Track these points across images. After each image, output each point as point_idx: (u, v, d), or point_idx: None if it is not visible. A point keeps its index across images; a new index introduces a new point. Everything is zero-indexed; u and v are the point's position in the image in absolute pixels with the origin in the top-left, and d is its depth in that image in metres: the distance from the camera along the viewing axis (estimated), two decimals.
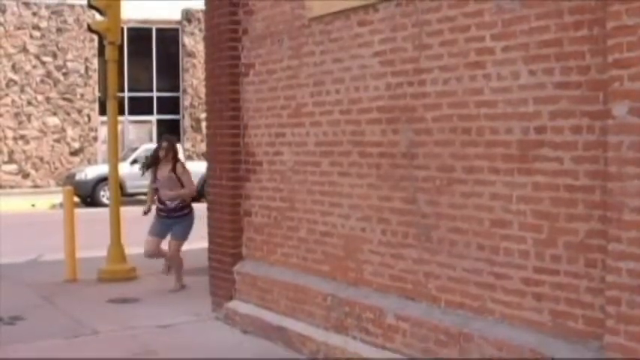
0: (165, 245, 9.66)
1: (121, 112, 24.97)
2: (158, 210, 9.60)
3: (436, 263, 5.57)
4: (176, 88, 32.93)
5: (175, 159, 9.68)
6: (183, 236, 9.54)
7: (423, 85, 5.64)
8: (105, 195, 21.25)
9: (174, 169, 9.53)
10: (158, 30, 32.49)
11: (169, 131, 32.06)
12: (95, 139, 30.10)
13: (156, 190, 9.66)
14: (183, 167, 9.77)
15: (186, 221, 9.53)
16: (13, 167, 29.41)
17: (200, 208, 9.29)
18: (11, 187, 28.74)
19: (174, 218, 9.49)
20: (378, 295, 6.07)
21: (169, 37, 32.73)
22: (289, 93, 7.10)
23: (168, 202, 9.48)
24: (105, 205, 17.14)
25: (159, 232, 9.58)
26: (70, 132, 30.13)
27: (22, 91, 29.48)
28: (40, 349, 6.98)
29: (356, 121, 6.29)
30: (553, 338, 4.71)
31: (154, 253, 9.60)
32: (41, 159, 29.58)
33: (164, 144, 9.69)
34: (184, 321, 7.90)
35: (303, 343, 6.66)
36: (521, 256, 4.92)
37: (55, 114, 30.05)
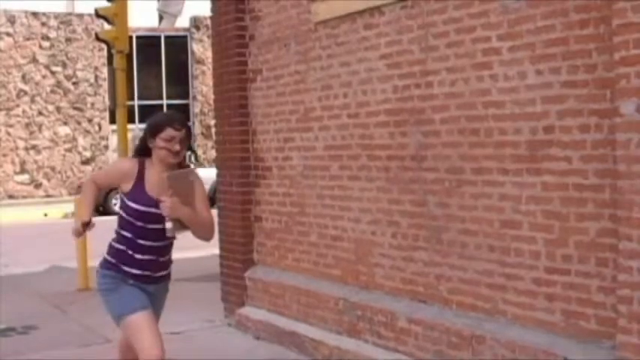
0: None
1: (132, 121, 25.02)
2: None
3: (447, 265, 5.56)
4: (186, 96, 33.01)
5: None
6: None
7: (431, 87, 5.63)
8: (117, 203, 21.27)
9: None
10: (167, 37, 32.58)
11: None
12: (106, 147, 30.17)
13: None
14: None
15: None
16: (25, 177, 29.51)
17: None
18: (23, 197, 28.82)
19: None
20: (389, 299, 6.06)
21: (178, 45, 32.80)
22: (297, 98, 7.10)
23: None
24: (117, 214, 17.09)
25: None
26: (81, 141, 30.22)
27: (33, 101, 29.59)
28: (53, 358, 6.99)
29: (364, 124, 6.29)
30: (565, 338, 4.69)
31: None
32: (53, 169, 29.66)
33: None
34: (197, 327, 7.90)
35: (315, 348, 6.65)
36: (532, 256, 4.90)
37: (65, 123, 30.15)
